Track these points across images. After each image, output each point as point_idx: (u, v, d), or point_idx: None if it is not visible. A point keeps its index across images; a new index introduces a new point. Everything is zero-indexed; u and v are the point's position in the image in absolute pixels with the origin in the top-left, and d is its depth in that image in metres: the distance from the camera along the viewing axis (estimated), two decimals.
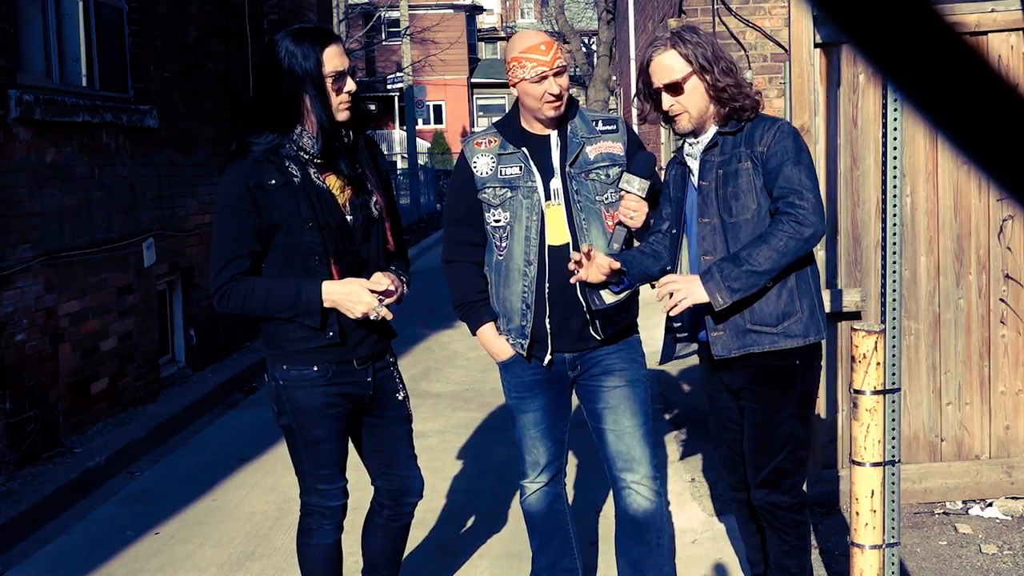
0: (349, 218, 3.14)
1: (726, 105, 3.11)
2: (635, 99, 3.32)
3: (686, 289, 3.01)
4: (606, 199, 3.30)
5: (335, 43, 3.09)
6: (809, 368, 3.23)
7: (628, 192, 3.14)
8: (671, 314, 3.08)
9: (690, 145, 3.25)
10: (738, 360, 3.19)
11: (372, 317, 3.08)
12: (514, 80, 3.25)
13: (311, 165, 3.09)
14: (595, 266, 3.08)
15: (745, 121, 3.15)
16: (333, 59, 3.04)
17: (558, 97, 3.22)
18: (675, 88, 3.12)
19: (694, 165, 3.24)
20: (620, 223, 3.18)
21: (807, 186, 3.02)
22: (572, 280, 3.14)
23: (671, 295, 3.03)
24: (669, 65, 3.11)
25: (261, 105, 3.12)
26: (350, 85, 3.09)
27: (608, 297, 3.23)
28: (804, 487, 3.38)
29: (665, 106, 3.15)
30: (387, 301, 3.11)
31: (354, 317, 3.08)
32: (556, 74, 3.20)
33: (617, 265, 3.13)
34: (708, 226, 3.17)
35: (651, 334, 3.48)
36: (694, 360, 3.56)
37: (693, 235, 3.25)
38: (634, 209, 3.13)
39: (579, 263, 3.08)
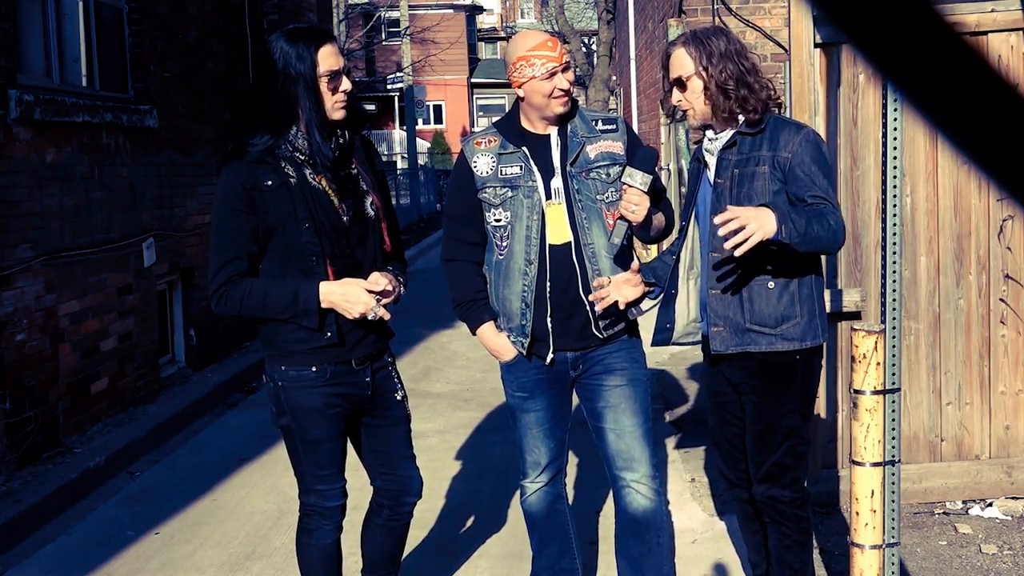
0: (345, 219, 3.13)
1: (729, 105, 3.14)
2: (661, 93, 3.41)
3: (757, 221, 2.82)
4: (607, 198, 3.31)
5: (330, 42, 3.08)
6: (809, 365, 3.27)
7: (630, 186, 3.14)
8: (737, 255, 2.86)
9: (709, 141, 3.29)
10: (738, 354, 3.25)
11: (370, 317, 3.08)
12: (520, 80, 3.24)
13: (306, 166, 3.09)
14: (623, 285, 3.17)
15: (754, 123, 3.16)
16: (328, 59, 3.04)
17: (567, 92, 3.24)
18: (680, 84, 3.21)
19: (711, 161, 3.29)
20: (621, 217, 3.20)
21: (834, 200, 3.10)
22: (599, 308, 3.21)
23: (736, 231, 2.82)
24: (679, 62, 3.21)
25: (257, 106, 3.12)
26: (345, 84, 3.08)
27: (646, 305, 3.34)
28: (806, 484, 3.40)
29: (673, 100, 3.26)
30: (385, 301, 3.11)
31: (352, 317, 3.08)
32: (564, 69, 3.23)
33: (637, 267, 3.25)
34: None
35: (651, 334, 3.48)
36: (694, 360, 3.57)
37: (704, 231, 3.29)
38: (636, 203, 3.14)
39: (601, 297, 3.17)
